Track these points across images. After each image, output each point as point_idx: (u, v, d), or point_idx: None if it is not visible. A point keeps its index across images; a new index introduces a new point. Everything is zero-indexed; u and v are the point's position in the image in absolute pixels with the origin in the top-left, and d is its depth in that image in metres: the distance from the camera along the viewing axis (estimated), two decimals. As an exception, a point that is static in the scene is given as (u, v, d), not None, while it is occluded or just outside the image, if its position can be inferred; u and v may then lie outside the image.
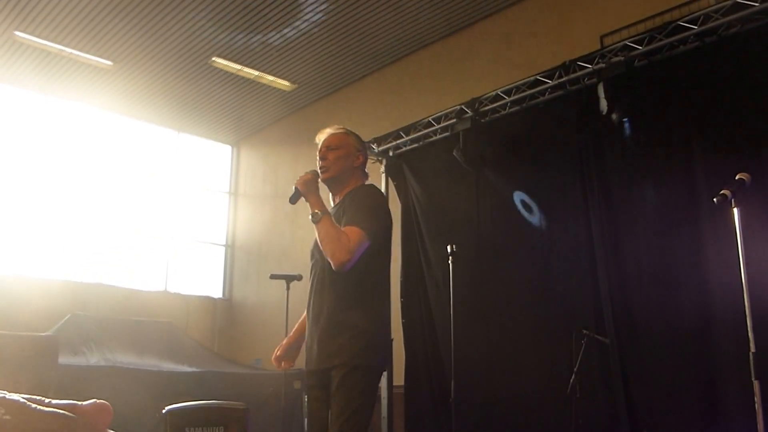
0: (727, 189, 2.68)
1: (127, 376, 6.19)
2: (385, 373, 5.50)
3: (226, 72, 8.41)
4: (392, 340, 5.63)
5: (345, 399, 2.34)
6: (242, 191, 10.82)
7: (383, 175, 6.16)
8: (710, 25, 4.13)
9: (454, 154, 5.33)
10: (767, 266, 3.15)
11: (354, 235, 2.36)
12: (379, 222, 2.50)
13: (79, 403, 0.44)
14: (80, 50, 7.86)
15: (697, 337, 3.94)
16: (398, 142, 5.99)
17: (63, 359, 5.73)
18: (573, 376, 4.09)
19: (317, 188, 2.53)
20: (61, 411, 0.42)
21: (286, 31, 7.49)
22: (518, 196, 5.04)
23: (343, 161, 2.62)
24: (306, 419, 2.57)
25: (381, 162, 6.20)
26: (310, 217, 2.43)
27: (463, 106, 5.45)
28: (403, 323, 5.73)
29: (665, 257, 4.17)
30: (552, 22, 6.65)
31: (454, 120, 5.50)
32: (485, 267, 5.23)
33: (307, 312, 2.60)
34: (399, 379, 5.70)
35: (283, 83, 8.75)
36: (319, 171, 2.60)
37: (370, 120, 7.62)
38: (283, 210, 9.30)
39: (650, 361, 4.18)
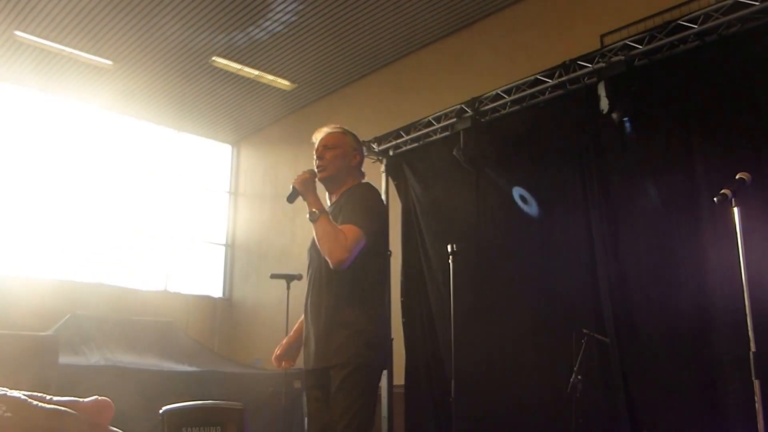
0: (728, 188, 2.69)
1: (128, 375, 6.18)
2: (385, 373, 5.50)
3: (226, 71, 8.42)
4: (392, 339, 5.66)
5: (346, 401, 2.34)
6: (242, 191, 10.82)
7: (383, 175, 6.16)
8: (710, 24, 4.12)
9: (454, 153, 5.33)
10: (767, 266, 3.15)
11: (351, 233, 2.37)
12: (376, 220, 2.51)
13: (81, 399, 0.44)
14: (80, 50, 7.86)
15: (697, 336, 3.94)
16: (398, 141, 5.99)
17: (63, 359, 5.73)
18: (573, 376, 4.09)
19: (315, 187, 2.54)
20: (63, 408, 0.42)
21: (286, 30, 7.49)
22: (517, 191, 5.05)
23: (340, 160, 2.63)
24: (306, 419, 2.57)
25: (381, 161, 6.20)
26: (307, 216, 2.44)
27: (463, 106, 5.45)
28: (403, 323, 5.73)
29: (665, 257, 4.17)
30: (552, 21, 6.65)
31: (455, 119, 5.50)
32: (485, 266, 5.23)
33: (305, 311, 2.61)
34: (399, 379, 5.70)
35: (283, 83, 8.75)
36: (316, 170, 2.60)
37: (370, 119, 7.61)
38: (284, 209, 9.30)
39: (650, 360, 4.18)
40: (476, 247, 5.27)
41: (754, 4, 3.91)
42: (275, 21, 7.29)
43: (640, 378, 4.18)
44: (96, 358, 6.62)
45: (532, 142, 5.21)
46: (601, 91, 4.43)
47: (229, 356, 8.91)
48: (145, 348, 7.28)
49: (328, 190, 2.70)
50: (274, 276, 4.93)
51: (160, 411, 2.96)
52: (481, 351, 4.98)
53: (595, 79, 4.58)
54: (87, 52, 7.90)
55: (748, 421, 2.86)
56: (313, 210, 2.43)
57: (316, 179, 2.58)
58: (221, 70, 8.37)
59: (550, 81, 4.95)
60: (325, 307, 2.49)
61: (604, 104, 4.40)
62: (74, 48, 7.80)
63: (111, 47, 7.81)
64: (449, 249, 4.53)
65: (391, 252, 4.38)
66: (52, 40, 7.63)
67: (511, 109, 5.26)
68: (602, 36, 5.79)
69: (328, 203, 2.66)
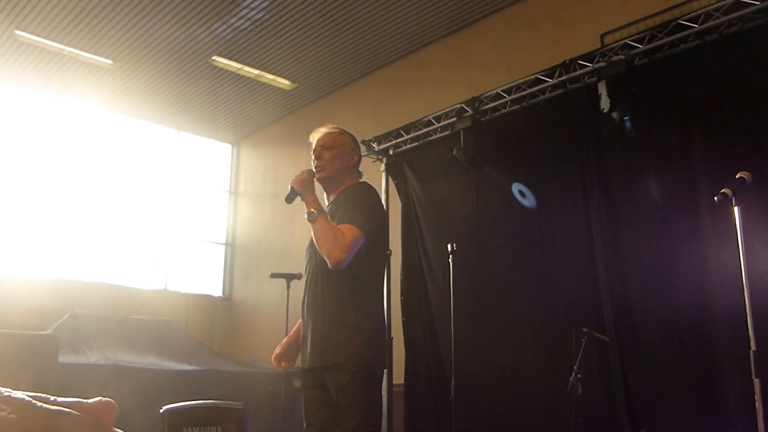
0: (728, 187, 2.69)
1: (127, 374, 6.19)
2: (384, 372, 5.50)
3: (226, 71, 8.41)
4: (392, 338, 5.66)
5: (349, 402, 2.34)
6: (242, 190, 10.82)
7: (383, 174, 6.16)
8: (711, 23, 4.12)
9: (454, 152, 5.33)
10: (767, 265, 3.15)
11: (349, 233, 2.38)
12: (373, 220, 2.52)
13: (85, 400, 0.44)
14: (80, 49, 7.85)
15: (697, 335, 3.95)
16: (398, 140, 5.99)
17: (63, 358, 5.74)
18: (573, 375, 4.10)
19: (313, 187, 2.54)
20: (67, 409, 0.42)
21: (286, 30, 7.48)
22: (516, 186, 5.05)
23: (339, 160, 2.64)
24: (305, 420, 2.57)
25: (381, 161, 6.19)
26: (306, 216, 2.44)
27: (463, 105, 5.45)
28: (403, 322, 5.73)
29: (665, 256, 4.17)
30: (552, 20, 6.64)
31: (455, 119, 5.50)
32: (485, 265, 5.24)
33: (302, 309, 2.61)
34: (399, 378, 5.70)
35: (283, 82, 8.75)
36: (314, 170, 2.61)
37: (370, 118, 7.61)
38: (283, 209, 9.30)
39: (650, 359, 4.19)
40: (476, 246, 5.27)
41: (755, 4, 3.91)
42: (275, 20, 7.28)
43: (639, 377, 4.18)
44: (96, 357, 6.63)
45: (532, 141, 5.21)
46: (602, 89, 4.43)
47: (229, 355, 8.92)
48: (144, 347, 7.29)
49: (326, 189, 2.70)
50: (274, 275, 4.93)
51: (161, 410, 2.97)
52: (481, 349, 4.99)
53: (595, 79, 4.58)
54: (87, 51, 7.90)
55: (748, 420, 2.86)
56: (312, 210, 2.43)
57: (315, 179, 2.59)
58: (221, 69, 8.37)
59: (550, 80, 4.95)
60: (323, 307, 2.49)
61: (605, 103, 4.39)
62: (74, 47, 7.80)
63: (111, 46, 7.81)
64: (449, 248, 4.53)
65: (391, 251, 4.39)
66: (52, 40, 7.63)
67: (511, 109, 5.26)
68: (602, 35, 5.79)
69: (326, 203, 2.66)
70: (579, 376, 4.08)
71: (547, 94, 5.05)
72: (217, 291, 10.39)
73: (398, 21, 7.35)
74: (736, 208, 2.67)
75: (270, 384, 6.85)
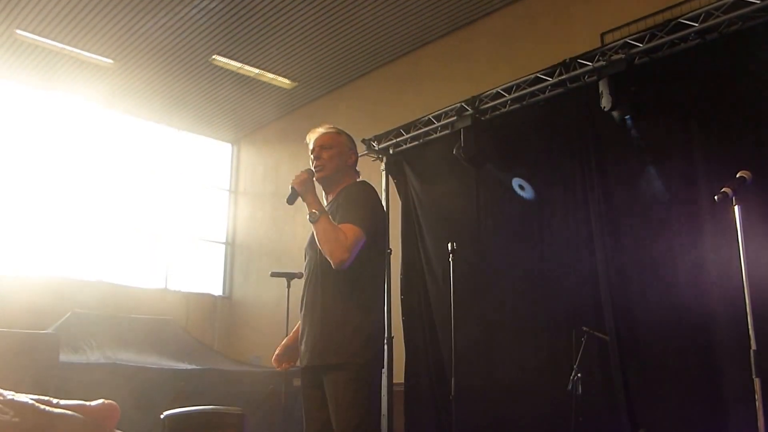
0: (729, 186, 2.69)
1: (128, 373, 6.20)
2: (384, 371, 5.51)
3: (226, 70, 8.41)
4: (392, 337, 5.66)
5: (348, 401, 2.35)
6: (242, 189, 10.82)
7: (383, 173, 6.16)
8: (711, 22, 4.12)
9: (454, 152, 5.33)
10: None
11: (351, 232, 2.38)
12: (374, 218, 2.53)
13: (87, 403, 0.44)
14: (81, 48, 7.85)
15: (697, 334, 3.95)
16: (398, 140, 5.98)
17: (64, 357, 5.75)
18: (573, 373, 4.10)
19: (314, 187, 2.55)
20: (70, 412, 0.42)
21: (286, 29, 7.48)
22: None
23: (337, 160, 2.65)
24: (304, 419, 2.57)
25: (381, 160, 6.19)
26: (307, 216, 2.44)
27: (463, 104, 5.44)
28: (403, 321, 5.73)
29: (666, 254, 4.17)
30: (552, 19, 6.64)
31: (455, 118, 5.50)
32: (485, 264, 5.24)
33: (301, 308, 2.61)
34: (399, 377, 5.71)
35: (283, 81, 8.75)
36: (313, 170, 2.61)
37: (371, 118, 7.62)
38: (284, 208, 9.25)
39: (650, 358, 4.19)
40: (476, 245, 5.27)
41: (755, 3, 3.91)
42: (276, 20, 7.28)
43: (640, 375, 4.19)
44: (96, 356, 6.64)
45: (532, 140, 5.21)
46: (604, 87, 4.43)
47: (229, 354, 8.92)
48: (145, 346, 7.29)
49: (325, 189, 2.71)
50: (274, 274, 4.93)
51: (162, 416, 2.98)
52: (481, 349, 4.99)
53: (595, 78, 4.58)
54: (87, 50, 7.90)
55: (748, 418, 2.86)
56: (313, 211, 2.44)
57: (314, 179, 2.59)
58: (221, 68, 8.37)
59: (550, 79, 4.95)
60: (322, 306, 2.49)
61: (607, 102, 4.39)
62: (75, 47, 7.80)
63: (111, 46, 7.80)
64: (449, 247, 4.53)
65: (391, 250, 4.40)
66: (52, 39, 7.63)
67: (511, 108, 5.26)
68: (602, 34, 5.78)
69: (325, 202, 2.67)
70: (579, 375, 4.09)
71: (547, 93, 5.04)
72: (217, 290, 10.40)
73: (398, 20, 7.35)
74: (736, 208, 2.67)
75: (270, 383, 6.85)
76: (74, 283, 8.61)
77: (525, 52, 6.59)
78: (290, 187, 2.53)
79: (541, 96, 5.08)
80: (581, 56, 4.75)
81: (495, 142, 5.30)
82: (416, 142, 5.92)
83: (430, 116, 5.74)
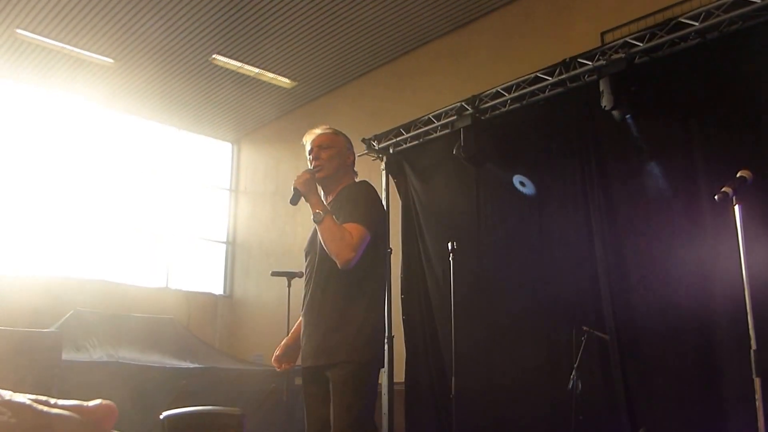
0: (729, 186, 2.69)
1: (131, 371, 6.20)
2: (385, 370, 5.52)
3: (227, 69, 8.41)
4: (392, 337, 5.66)
5: (348, 400, 2.36)
6: (243, 188, 10.82)
7: (383, 173, 6.16)
8: (711, 21, 4.12)
9: (454, 151, 5.33)
10: None
11: (356, 231, 2.39)
12: (376, 217, 2.54)
13: (85, 403, 0.44)
14: (81, 48, 7.86)
15: (697, 334, 3.95)
16: (398, 139, 5.98)
17: (66, 355, 5.76)
18: (573, 373, 4.10)
19: (316, 187, 2.56)
20: (67, 412, 0.42)
21: (286, 28, 7.48)
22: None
23: (336, 159, 2.66)
24: (305, 418, 2.58)
25: (381, 159, 6.19)
26: (312, 217, 2.45)
27: (463, 104, 5.45)
28: (403, 320, 5.74)
29: (666, 254, 4.18)
30: (552, 18, 6.64)
31: (455, 117, 5.50)
32: (486, 264, 5.24)
33: (302, 308, 2.61)
34: (399, 376, 5.71)
35: (284, 80, 8.75)
36: (313, 170, 2.62)
37: (371, 117, 7.61)
38: (284, 207, 9.29)
39: (650, 357, 4.19)
40: (476, 244, 5.28)
41: (756, 2, 3.91)
42: (275, 19, 7.28)
43: (640, 375, 4.19)
44: (98, 354, 6.64)
45: (532, 139, 5.21)
46: (604, 87, 4.43)
47: (231, 353, 8.93)
48: (146, 344, 7.29)
49: (324, 189, 2.71)
50: (275, 274, 4.94)
51: (161, 416, 2.99)
52: (481, 348, 5.00)
53: (595, 77, 4.58)
54: (88, 50, 7.90)
55: (748, 418, 2.86)
56: (318, 211, 2.44)
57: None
58: (221, 68, 8.37)
59: (550, 79, 4.95)
60: (323, 305, 2.50)
61: (608, 101, 4.39)
62: (75, 46, 7.80)
63: (112, 45, 7.81)
64: (449, 246, 4.53)
65: (391, 249, 4.40)
66: (53, 38, 7.63)
67: (511, 107, 5.26)
68: (602, 33, 5.78)
69: (325, 203, 2.67)
70: (579, 374, 4.09)
71: (547, 93, 5.04)
72: (218, 289, 10.41)
73: (398, 19, 7.35)
74: (736, 207, 2.68)
75: (272, 381, 6.86)
76: (75, 283, 8.62)
77: (525, 51, 6.59)
78: (293, 187, 2.54)
79: (541, 95, 5.08)
80: (581, 55, 4.75)
81: (495, 141, 5.30)
82: (416, 142, 5.93)
83: (430, 115, 5.74)
